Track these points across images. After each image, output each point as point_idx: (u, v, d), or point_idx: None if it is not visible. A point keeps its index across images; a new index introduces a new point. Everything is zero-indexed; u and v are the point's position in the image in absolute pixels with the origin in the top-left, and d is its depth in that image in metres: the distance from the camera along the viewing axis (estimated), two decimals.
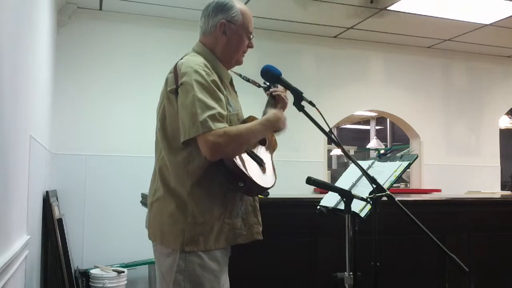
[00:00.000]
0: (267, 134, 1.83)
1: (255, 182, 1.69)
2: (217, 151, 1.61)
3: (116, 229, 4.57)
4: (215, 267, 1.71)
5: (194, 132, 1.61)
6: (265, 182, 1.75)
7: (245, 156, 1.73)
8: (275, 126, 1.79)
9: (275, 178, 1.82)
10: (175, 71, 1.74)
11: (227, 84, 1.86)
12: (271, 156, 1.90)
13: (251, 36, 1.89)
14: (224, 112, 1.66)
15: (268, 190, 1.78)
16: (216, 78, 1.73)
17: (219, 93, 1.69)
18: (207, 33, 1.86)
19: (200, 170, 1.69)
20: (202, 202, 1.70)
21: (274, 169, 1.86)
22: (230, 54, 1.86)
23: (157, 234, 1.76)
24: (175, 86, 1.71)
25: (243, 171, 1.66)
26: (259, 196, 1.85)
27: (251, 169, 1.71)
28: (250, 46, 1.91)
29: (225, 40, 1.84)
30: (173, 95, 1.72)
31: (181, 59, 1.81)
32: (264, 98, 1.94)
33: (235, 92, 1.92)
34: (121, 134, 4.75)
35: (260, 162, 1.78)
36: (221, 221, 1.72)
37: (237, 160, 1.67)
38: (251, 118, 1.83)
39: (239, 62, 1.91)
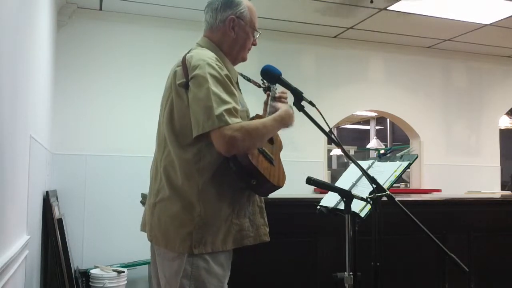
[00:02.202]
0: (278, 130, 1.80)
1: (268, 180, 1.66)
2: (233, 145, 1.56)
3: (116, 229, 4.57)
4: (220, 272, 1.67)
5: (209, 126, 1.56)
6: (277, 180, 1.72)
7: (257, 153, 1.70)
8: (287, 123, 1.78)
9: (285, 177, 1.80)
10: (184, 64, 1.69)
11: (235, 82, 1.82)
12: (279, 156, 1.86)
13: (256, 33, 1.88)
14: (238, 107, 1.63)
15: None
16: (228, 73, 1.70)
17: (232, 88, 1.66)
18: (214, 28, 1.83)
19: (211, 168, 1.65)
20: (211, 202, 1.65)
21: (283, 168, 1.83)
22: (237, 51, 1.85)
23: (160, 237, 1.69)
24: (185, 80, 1.66)
25: (256, 168, 1.62)
26: None
27: (264, 166, 1.68)
28: (254, 43, 1.89)
29: (233, 36, 1.82)
30: (182, 89, 1.66)
31: (189, 52, 1.76)
32: (264, 97, 1.94)
33: (240, 90, 1.89)
34: (121, 134, 4.75)
35: (271, 161, 1.75)
36: (229, 221, 1.68)
37: (250, 157, 1.63)
38: (258, 117, 1.81)
39: (244, 59, 1.90)
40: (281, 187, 1.74)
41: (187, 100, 1.64)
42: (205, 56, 1.68)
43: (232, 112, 1.58)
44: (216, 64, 1.67)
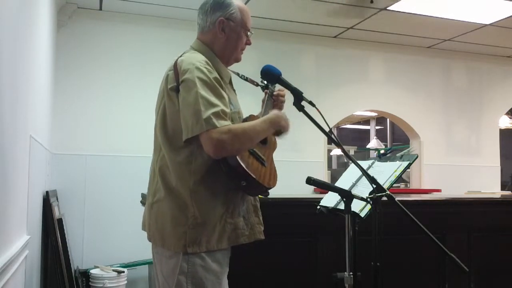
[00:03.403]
0: (269, 133, 1.82)
1: (258, 181, 1.68)
2: (221, 148, 1.59)
3: (116, 229, 4.57)
4: (217, 269, 1.70)
5: (198, 129, 1.59)
6: (267, 181, 1.74)
7: (247, 155, 1.72)
8: (277, 124, 1.79)
9: (277, 178, 1.81)
10: (175, 68, 1.72)
11: (227, 83, 1.84)
12: (272, 156, 1.89)
13: (249, 33, 1.89)
14: (227, 110, 1.66)
15: (268, 190, 1.77)
16: (218, 76, 1.72)
17: (221, 90, 1.68)
18: (205, 31, 1.86)
19: (203, 169, 1.68)
20: (204, 202, 1.68)
21: (275, 169, 1.85)
22: (229, 52, 1.86)
23: (157, 236, 1.73)
24: (176, 84, 1.69)
25: (246, 170, 1.64)
26: (259, 196, 1.85)
27: (254, 168, 1.70)
28: (248, 43, 1.91)
29: (223, 37, 1.83)
30: (173, 93, 1.69)
31: (181, 56, 1.79)
32: (262, 97, 1.94)
33: (234, 91, 1.91)
34: (121, 134, 4.75)
35: (262, 162, 1.76)
36: (223, 221, 1.70)
37: (240, 159, 1.65)
38: (252, 117, 1.83)
39: (237, 60, 1.91)
40: (271, 188, 1.76)
41: (178, 104, 1.68)
42: (195, 60, 1.71)
43: (220, 115, 1.61)
44: (205, 68, 1.69)
